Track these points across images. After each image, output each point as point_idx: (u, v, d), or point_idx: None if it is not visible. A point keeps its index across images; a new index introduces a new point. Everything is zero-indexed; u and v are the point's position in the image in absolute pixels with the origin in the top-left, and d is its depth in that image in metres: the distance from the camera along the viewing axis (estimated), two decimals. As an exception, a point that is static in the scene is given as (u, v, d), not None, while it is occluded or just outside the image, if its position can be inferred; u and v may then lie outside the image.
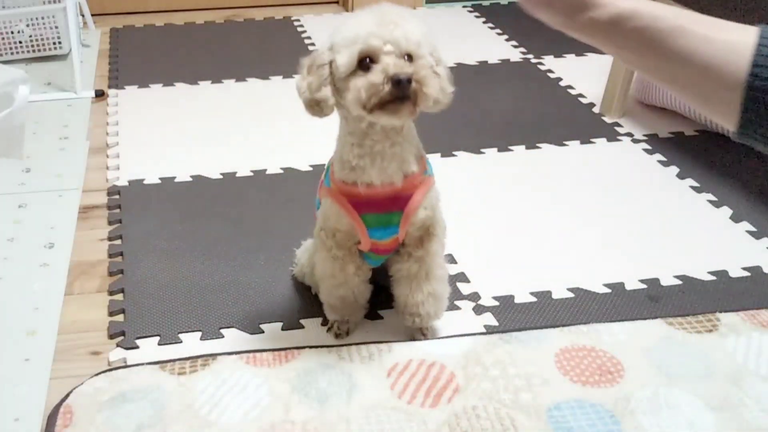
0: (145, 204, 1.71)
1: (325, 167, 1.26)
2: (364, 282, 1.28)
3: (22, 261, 1.51)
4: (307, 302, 1.40)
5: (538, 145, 1.99)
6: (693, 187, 1.80)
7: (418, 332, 1.31)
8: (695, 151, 1.97)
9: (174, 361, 1.25)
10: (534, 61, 2.52)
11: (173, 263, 1.50)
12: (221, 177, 1.82)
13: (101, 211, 1.69)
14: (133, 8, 2.90)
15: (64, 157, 1.90)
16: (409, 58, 1.06)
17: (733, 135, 0.63)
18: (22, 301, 1.40)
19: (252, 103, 2.21)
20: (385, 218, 1.18)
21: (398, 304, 1.30)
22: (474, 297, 1.43)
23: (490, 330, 1.35)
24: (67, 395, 1.18)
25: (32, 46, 2.41)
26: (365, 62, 1.05)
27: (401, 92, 1.03)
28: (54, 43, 2.43)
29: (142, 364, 1.24)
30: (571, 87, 2.33)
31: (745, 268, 1.52)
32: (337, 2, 3.05)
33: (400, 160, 1.15)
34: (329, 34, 1.11)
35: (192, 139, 2.00)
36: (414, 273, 1.24)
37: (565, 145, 1.99)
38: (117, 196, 1.73)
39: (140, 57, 2.52)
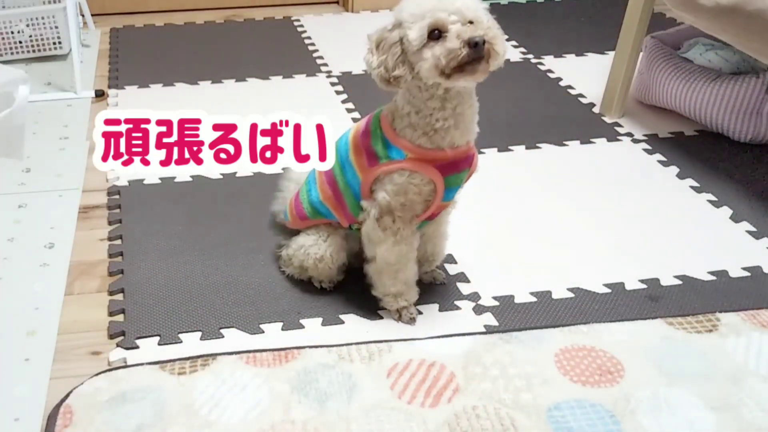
0: (145, 204, 1.70)
1: (375, 143, 1.27)
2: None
3: (22, 261, 1.51)
4: (307, 302, 1.40)
5: (538, 145, 1.99)
6: (693, 187, 1.80)
7: (432, 278, 1.46)
8: (695, 151, 1.97)
9: (174, 361, 1.25)
10: (534, 61, 2.52)
11: (173, 263, 1.50)
12: (221, 177, 1.82)
13: (101, 211, 1.69)
14: (133, 8, 2.90)
15: (64, 157, 1.90)
16: (471, 24, 1.16)
17: None
18: (22, 301, 1.40)
19: (252, 103, 2.20)
20: (461, 177, 1.29)
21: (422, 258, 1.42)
22: (474, 297, 1.43)
23: (490, 330, 1.35)
24: (67, 395, 1.18)
25: (32, 46, 2.41)
26: (434, 33, 1.15)
27: (478, 53, 1.13)
28: (54, 43, 2.43)
29: (142, 364, 1.24)
30: (571, 87, 2.33)
31: (745, 268, 1.52)
32: (337, 2, 3.05)
33: (474, 120, 1.28)
34: (394, 11, 1.20)
35: (192, 139, 2.00)
36: (441, 232, 1.41)
37: (565, 145, 1.99)
38: (117, 196, 1.73)
39: (140, 57, 2.52)
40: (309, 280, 1.44)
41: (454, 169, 1.26)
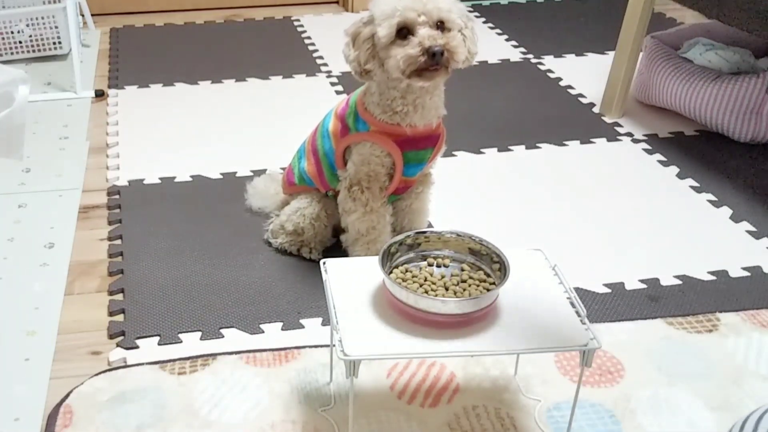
0: (145, 204, 1.70)
1: (349, 115, 1.37)
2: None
3: (22, 261, 1.51)
4: (307, 302, 1.40)
5: (538, 145, 1.99)
6: (693, 187, 1.80)
7: None
8: (695, 151, 1.97)
9: (174, 361, 1.25)
10: (534, 61, 2.52)
11: (173, 263, 1.50)
12: (221, 177, 1.82)
13: (101, 211, 1.69)
14: (133, 8, 2.90)
15: (64, 157, 1.91)
16: (441, 23, 1.22)
17: None
18: (22, 301, 1.40)
19: (252, 103, 2.20)
20: (421, 154, 1.36)
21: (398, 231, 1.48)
22: (474, 297, 1.43)
23: (490, 330, 1.34)
24: (67, 395, 1.18)
25: (32, 46, 2.42)
26: (403, 32, 1.21)
27: (436, 61, 1.20)
28: (54, 43, 2.43)
29: (142, 364, 1.25)
30: (571, 87, 2.33)
31: (745, 268, 1.52)
32: (337, 2, 3.05)
33: (436, 107, 1.33)
34: (370, 5, 1.26)
35: (192, 138, 2.00)
36: (415, 207, 1.48)
37: (565, 145, 1.99)
38: (117, 196, 1.73)
39: (140, 57, 2.52)
40: (299, 252, 1.50)
41: (413, 146, 1.34)
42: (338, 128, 1.38)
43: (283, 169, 1.60)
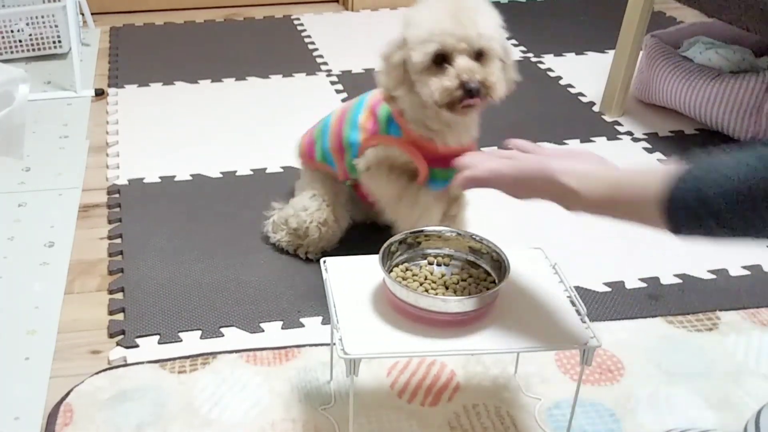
0: (145, 203, 1.70)
1: (382, 114, 1.31)
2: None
3: (22, 260, 1.51)
4: (307, 301, 1.40)
5: (538, 143, 1.98)
6: (693, 186, 1.80)
7: None
8: (695, 149, 1.96)
9: (174, 359, 1.25)
10: (534, 59, 2.51)
11: (173, 262, 1.50)
12: (221, 176, 1.82)
13: (101, 210, 1.69)
14: (133, 7, 2.90)
15: (64, 156, 1.90)
16: (480, 52, 1.14)
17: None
18: (22, 300, 1.40)
19: (252, 101, 2.20)
20: (449, 173, 1.26)
21: None
22: (474, 296, 1.43)
23: (490, 329, 1.34)
24: (68, 394, 1.18)
25: (32, 45, 2.41)
26: (438, 59, 1.14)
27: (472, 96, 1.14)
28: (54, 42, 2.43)
29: (142, 362, 1.25)
30: (571, 86, 2.33)
31: (744, 267, 1.52)
32: (337, 1, 3.05)
33: (469, 128, 1.30)
34: (403, 24, 1.18)
35: (192, 137, 2.00)
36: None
37: (565, 143, 1.99)
38: (117, 195, 1.73)
39: (140, 56, 2.51)
40: (295, 252, 1.48)
41: (443, 164, 1.28)
42: (369, 124, 1.33)
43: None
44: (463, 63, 1.13)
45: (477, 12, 1.15)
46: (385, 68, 1.21)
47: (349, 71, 2.39)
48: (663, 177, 0.82)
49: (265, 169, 1.85)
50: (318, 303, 1.39)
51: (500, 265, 1.06)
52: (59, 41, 2.42)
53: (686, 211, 0.79)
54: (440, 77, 1.14)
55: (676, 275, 1.50)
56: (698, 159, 0.82)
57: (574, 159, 0.93)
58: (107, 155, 1.91)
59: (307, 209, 1.42)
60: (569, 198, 0.90)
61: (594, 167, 0.91)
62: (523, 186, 0.95)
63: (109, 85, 2.29)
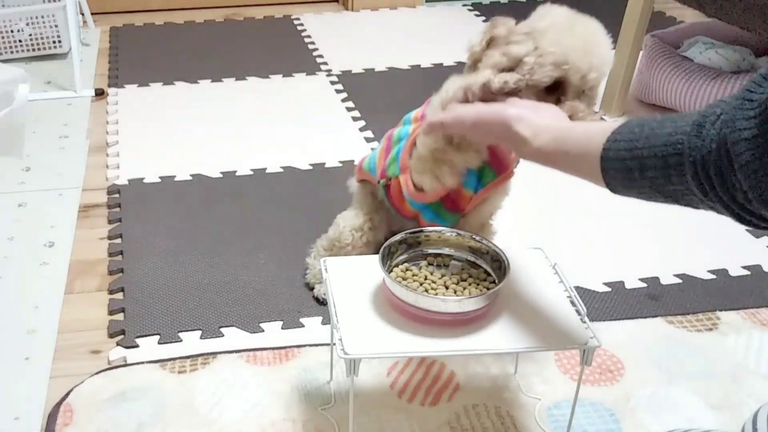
0: (145, 203, 1.70)
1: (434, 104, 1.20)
2: None
3: (22, 260, 1.51)
4: (307, 301, 1.40)
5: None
6: (693, 186, 1.80)
7: None
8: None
9: (174, 359, 1.25)
10: (534, 59, 2.51)
11: (173, 262, 1.50)
12: (221, 176, 1.82)
13: (101, 209, 1.69)
14: (132, 7, 2.90)
15: (64, 156, 1.91)
16: (590, 89, 1.08)
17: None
18: (22, 300, 1.40)
19: (252, 101, 2.20)
20: (486, 172, 1.26)
21: None
22: (474, 296, 1.43)
23: (490, 329, 1.34)
24: (68, 394, 1.18)
25: (32, 44, 2.41)
26: (554, 85, 1.06)
27: None
28: (54, 42, 2.43)
29: (142, 362, 1.25)
30: (571, 86, 2.32)
31: (745, 267, 1.52)
32: (337, 1, 3.05)
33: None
34: (528, 26, 1.19)
35: (192, 137, 2.00)
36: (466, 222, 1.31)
37: (565, 143, 1.99)
38: (117, 195, 1.73)
39: (140, 56, 2.52)
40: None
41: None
42: (421, 113, 1.24)
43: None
44: (575, 105, 1.06)
45: (610, 49, 1.14)
46: (491, 46, 1.18)
47: (349, 71, 2.39)
48: (605, 132, 0.85)
49: (265, 169, 1.85)
50: (318, 303, 1.39)
51: (500, 265, 1.06)
52: (59, 41, 2.42)
53: (619, 164, 0.83)
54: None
55: (676, 275, 1.50)
56: (638, 117, 0.85)
57: (532, 110, 0.96)
58: (107, 155, 1.91)
59: (345, 218, 1.37)
60: (519, 145, 0.94)
61: (548, 121, 0.94)
62: (480, 129, 0.99)
63: (109, 85, 2.29)
